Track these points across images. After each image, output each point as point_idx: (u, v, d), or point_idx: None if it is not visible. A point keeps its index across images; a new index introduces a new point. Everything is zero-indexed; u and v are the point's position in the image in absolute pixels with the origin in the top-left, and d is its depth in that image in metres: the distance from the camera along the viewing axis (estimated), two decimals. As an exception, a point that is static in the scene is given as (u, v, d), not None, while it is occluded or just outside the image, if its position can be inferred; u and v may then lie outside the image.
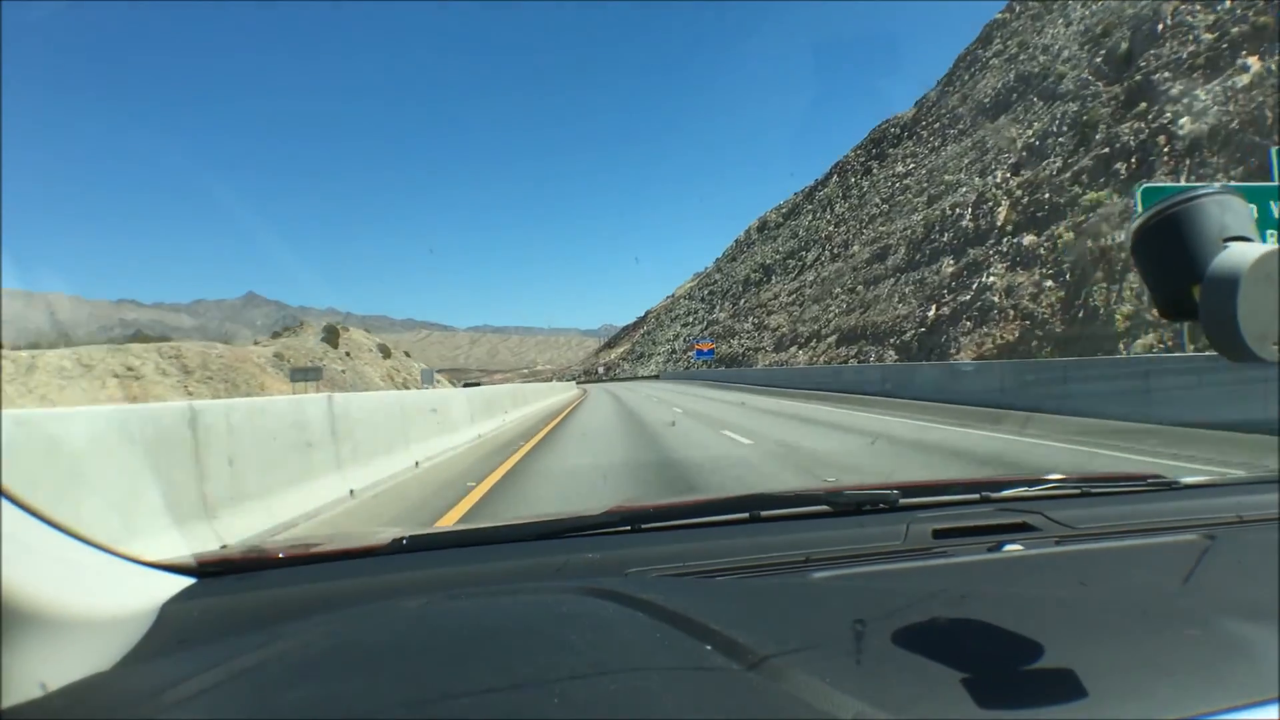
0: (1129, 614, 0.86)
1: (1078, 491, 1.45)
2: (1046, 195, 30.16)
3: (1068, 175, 29.15)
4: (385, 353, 71.55)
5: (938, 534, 1.21)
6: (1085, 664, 0.73)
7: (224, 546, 1.36)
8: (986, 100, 47.13)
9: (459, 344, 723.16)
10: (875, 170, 66.49)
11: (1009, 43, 48.23)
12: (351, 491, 5.95)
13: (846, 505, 1.34)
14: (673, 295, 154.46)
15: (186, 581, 1.05)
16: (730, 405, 20.26)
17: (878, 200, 59.27)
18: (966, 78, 54.31)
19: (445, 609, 0.94)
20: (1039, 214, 30.05)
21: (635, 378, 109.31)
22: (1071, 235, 26.03)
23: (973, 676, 0.71)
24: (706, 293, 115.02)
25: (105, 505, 3.20)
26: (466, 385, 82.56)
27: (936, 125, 56.30)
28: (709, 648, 0.76)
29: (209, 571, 1.10)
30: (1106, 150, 27.22)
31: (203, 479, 4.12)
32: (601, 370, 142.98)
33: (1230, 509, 1.31)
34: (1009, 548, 1.14)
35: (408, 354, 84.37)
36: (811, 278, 64.17)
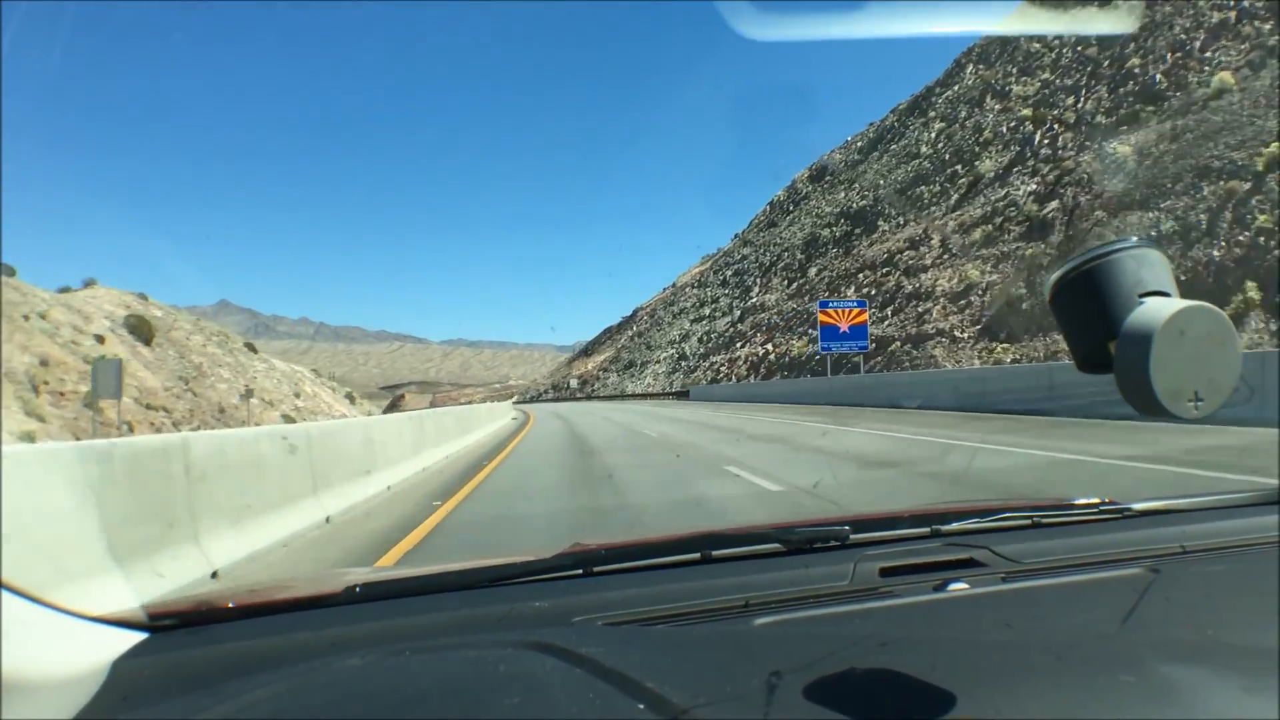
0: (1064, 658, 0.85)
1: (1028, 522, 1.43)
2: None
3: None
4: (97, 338, 35.17)
5: (884, 572, 1.19)
6: (1006, 713, 0.72)
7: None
8: None
9: (431, 356, 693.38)
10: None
11: None
12: None
13: (798, 543, 1.31)
14: (674, 285, 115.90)
15: (137, 637, 1.04)
16: None
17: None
18: None
19: (385, 668, 0.94)
20: None
21: (622, 395, 74.12)
22: None
23: None
24: (730, 273, 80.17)
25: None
26: (247, 394, 42.49)
27: None
28: (640, 706, 0.76)
29: (159, 625, 1.09)
30: None
31: None
32: (574, 384, 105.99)
33: (1176, 539, 1.31)
34: (954, 586, 1.13)
35: (198, 328, 47.92)
36: (1030, 189, 29.85)
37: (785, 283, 57.42)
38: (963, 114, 44.30)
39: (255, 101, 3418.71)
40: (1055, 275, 0.74)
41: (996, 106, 40.38)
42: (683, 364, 71.77)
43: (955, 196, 37.84)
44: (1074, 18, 30.40)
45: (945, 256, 33.26)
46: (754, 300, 61.86)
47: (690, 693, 0.77)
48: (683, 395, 47.38)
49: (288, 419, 35.00)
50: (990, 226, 30.75)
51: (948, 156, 42.39)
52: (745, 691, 0.78)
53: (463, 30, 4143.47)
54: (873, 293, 37.89)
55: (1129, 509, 1.48)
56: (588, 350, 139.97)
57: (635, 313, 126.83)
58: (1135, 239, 0.75)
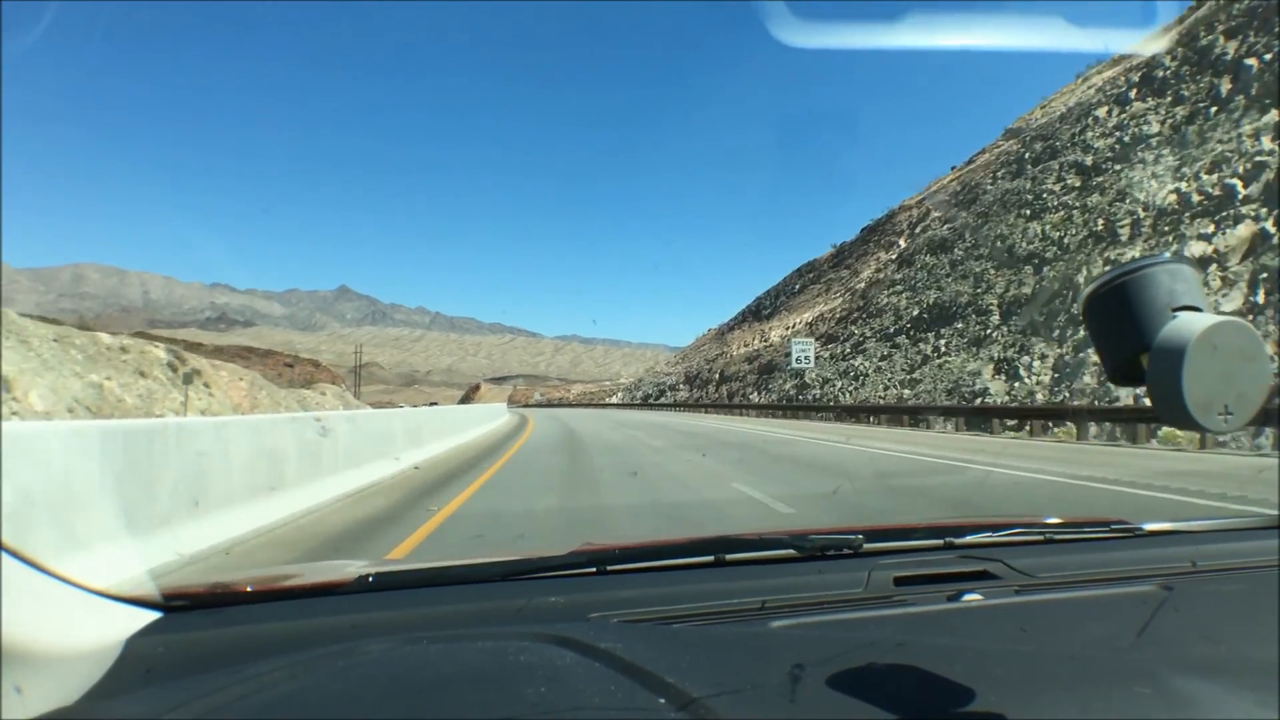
0: (1080, 667, 0.86)
1: (1041, 538, 1.44)
2: None
3: None
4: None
5: (899, 581, 1.20)
6: (1025, 713, 0.73)
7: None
8: None
9: (542, 350, 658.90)
10: None
11: None
12: None
13: (811, 550, 1.32)
14: (1040, 106, 46.46)
15: (152, 615, 1.05)
16: None
17: None
18: None
19: (404, 654, 0.93)
20: None
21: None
22: None
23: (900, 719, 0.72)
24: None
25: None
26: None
27: None
28: (661, 701, 0.75)
29: (175, 605, 1.09)
30: None
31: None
32: (742, 369, 46.55)
33: (1187, 558, 1.33)
34: (968, 597, 1.14)
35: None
36: None
37: None
38: None
39: (382, 93, 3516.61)
40: (1089, 289, 0.73)
41: None
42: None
43: None
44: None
45: None
46: None
47: (711, 685, 0.78)
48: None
49: None
50: None
51: None
52: (766, 684, 0.79)
53: (584, 27, 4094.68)
54: None
55: (1140, 529, 1.50)
56: (759, 310, 76.54)
57: (876, 225, 63.88)
58: (1167, 255, 0.75)
